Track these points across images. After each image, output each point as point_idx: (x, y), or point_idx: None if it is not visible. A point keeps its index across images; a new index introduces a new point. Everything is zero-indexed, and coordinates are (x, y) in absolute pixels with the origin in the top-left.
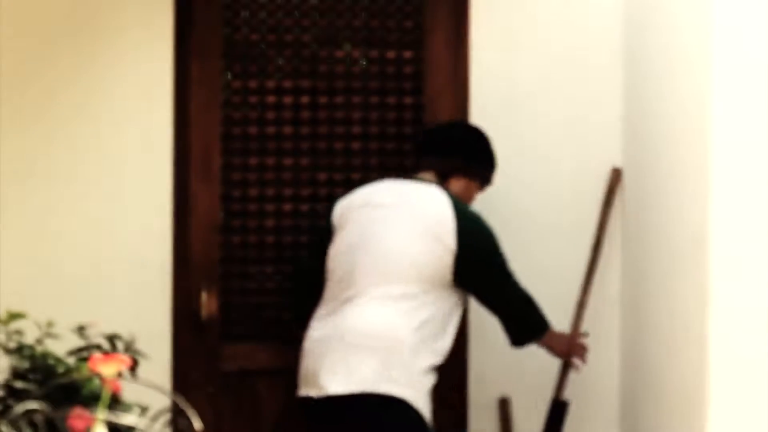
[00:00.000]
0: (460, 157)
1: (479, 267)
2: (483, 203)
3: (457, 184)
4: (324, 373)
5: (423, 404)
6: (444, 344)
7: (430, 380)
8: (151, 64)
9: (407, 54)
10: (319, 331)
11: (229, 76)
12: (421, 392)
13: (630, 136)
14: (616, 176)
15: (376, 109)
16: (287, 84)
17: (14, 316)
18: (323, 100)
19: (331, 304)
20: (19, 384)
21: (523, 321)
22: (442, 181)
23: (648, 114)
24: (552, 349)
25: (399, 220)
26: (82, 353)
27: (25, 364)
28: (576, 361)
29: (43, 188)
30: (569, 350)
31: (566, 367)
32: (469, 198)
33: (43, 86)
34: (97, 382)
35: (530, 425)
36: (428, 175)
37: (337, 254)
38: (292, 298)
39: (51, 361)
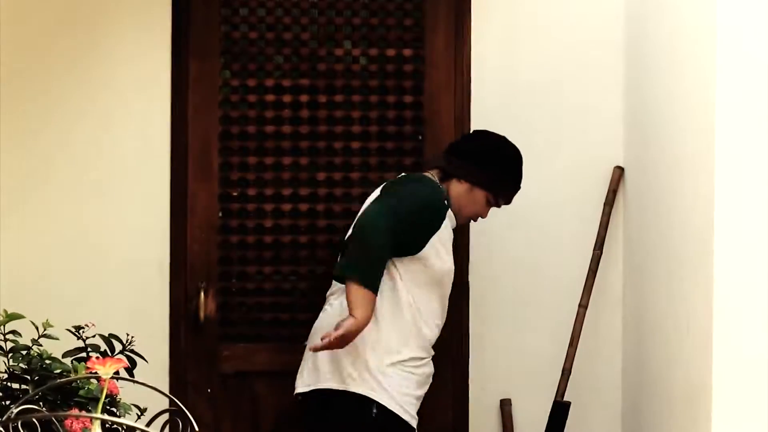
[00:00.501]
0: (469, 160)
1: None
2: None
3: (459, 186)
4: (298, 374)
5: (388, 399)
6: (424, 334)
7: (400, 373)
8: (149, 62)
9: (407, 52)
10: None
11: (228, 75)
12: (384, 386)
13: (632, 135)
14: (618, 175)
15: (375, 107)
16: (286, 82)
17: (11, 317)
18: (322, 98)
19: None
20: (15, 385)
21: (350, 253)
22: (444, 180)
23: (650, 112)
24: (350, 311)
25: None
26: (80, 354)
27: (22, 365)
28: (322, 340)
29: (42, 188)
30: (352, 331)
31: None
32: (472, 206)
33: (41, 86)
34: (94, 383)
35: (531, 427)
36: (431, 173)
37: None
38: None
39: (48, 362)
